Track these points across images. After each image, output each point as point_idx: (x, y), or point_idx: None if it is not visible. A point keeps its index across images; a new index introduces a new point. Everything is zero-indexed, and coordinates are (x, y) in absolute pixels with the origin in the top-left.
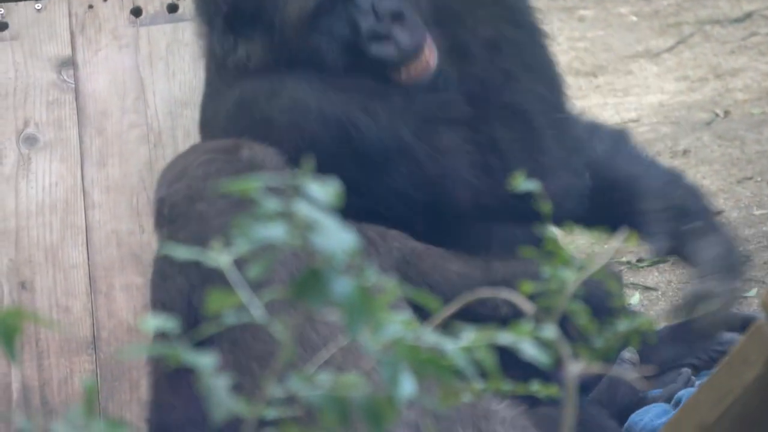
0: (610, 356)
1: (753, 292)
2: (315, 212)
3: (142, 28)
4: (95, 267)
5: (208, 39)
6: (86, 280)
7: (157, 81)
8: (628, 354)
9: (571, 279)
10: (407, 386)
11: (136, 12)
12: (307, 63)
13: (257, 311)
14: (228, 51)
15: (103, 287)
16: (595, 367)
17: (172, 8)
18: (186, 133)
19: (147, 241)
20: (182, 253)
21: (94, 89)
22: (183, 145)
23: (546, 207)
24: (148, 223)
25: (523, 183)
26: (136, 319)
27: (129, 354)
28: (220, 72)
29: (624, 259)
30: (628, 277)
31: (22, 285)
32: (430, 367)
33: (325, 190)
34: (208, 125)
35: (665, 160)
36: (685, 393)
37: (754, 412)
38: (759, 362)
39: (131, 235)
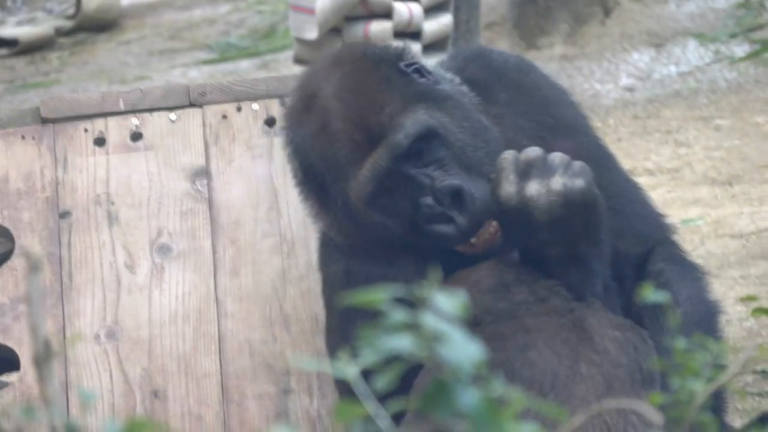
0: None
1: None
2: (441, 323)
3: (276, 138)
4: (228, 376)
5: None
6: (218, 389)
7: (291, 191)
8: None
9: (700, 390)
10: None
11: (270, 122)
12: (376, 236)
13: (384, 422)
14: (314, 218)
15: (235, 396)
16: None
17: None
18: None
19: (280, 350)
20: (308, 364)
21: (228, 199)
22: (316, 255)
23: (675, 319)
24: (281, 332)
25: (652, 295)
26: (269, 427)
27: None
28: (320, 236)
29: (759, 368)
30: (763, 385)
31: (155, 394)
32: None
33: (451, 301)
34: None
35: None
36: None
37: None
38: None
39: (264, 345)
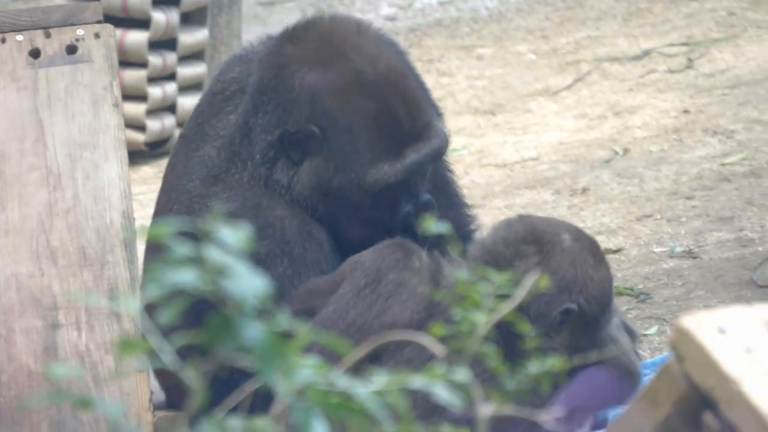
0: (522, 397)
1: (653, 330)
2: (226, 257)
3: (40, 70)
4: None
5: (248, 133)
6: None
7: (56, 123)
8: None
9: (483, 321)
10: (320, 430)
11: (35, 54)
12: (332, 212)
13: (168, 357)
14: (266, 163)
15: (2, 331)
16: (507, 409)
17: (71, 50)
18: (86, 174)
19: (47, 284)
20: (76, 298)
21: None
22: (83, 188)
23: (456, 247)
24: (48, 266)
25: (434, 226)
26: (36, 362)
27: (31, 403)
28: (253, 175)
29: None
30: None
31: None
32: (342, 411)
33: (236, 235)
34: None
35: (565, 199)
36: None
37: None
38: (668, 402)
39: (31, 279)
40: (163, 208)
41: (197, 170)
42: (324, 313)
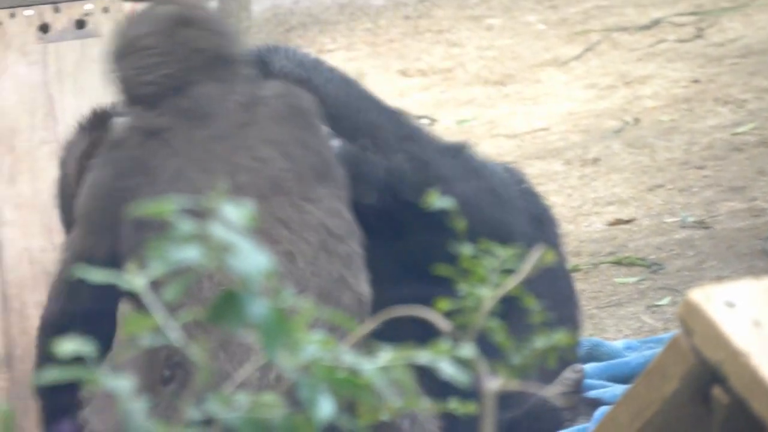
0: (528, 373)
1: (666, 300)
2: (230, 234)
3: (50, 45)
4: (8, 285)
5: None
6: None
7: (66, 97)
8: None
9: (488, 296)
10: (326, 406)
11: (44, 28)
12: None
13: (174, 334)
14: None
15: (16, 305)
16: (513, 384)
17: (80, 24)
18: None
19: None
20: (97, 275)
21: (3, 106)
22: None
23: (461, 224)
24: (61, 240)
25: (437, 200)
26: None
27: (43, 378)
28: None
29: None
30: None
31: None
32: (348, 386)
33: (239, 211)
34: None
35: (576, 169)
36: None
37: (672, 426)
38: (677, 376)
39: (43, 253)
40: None
41: None
42: None
